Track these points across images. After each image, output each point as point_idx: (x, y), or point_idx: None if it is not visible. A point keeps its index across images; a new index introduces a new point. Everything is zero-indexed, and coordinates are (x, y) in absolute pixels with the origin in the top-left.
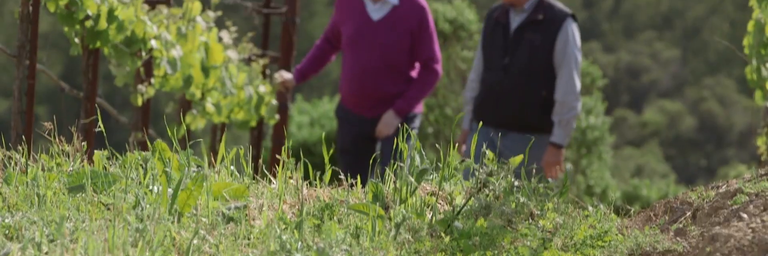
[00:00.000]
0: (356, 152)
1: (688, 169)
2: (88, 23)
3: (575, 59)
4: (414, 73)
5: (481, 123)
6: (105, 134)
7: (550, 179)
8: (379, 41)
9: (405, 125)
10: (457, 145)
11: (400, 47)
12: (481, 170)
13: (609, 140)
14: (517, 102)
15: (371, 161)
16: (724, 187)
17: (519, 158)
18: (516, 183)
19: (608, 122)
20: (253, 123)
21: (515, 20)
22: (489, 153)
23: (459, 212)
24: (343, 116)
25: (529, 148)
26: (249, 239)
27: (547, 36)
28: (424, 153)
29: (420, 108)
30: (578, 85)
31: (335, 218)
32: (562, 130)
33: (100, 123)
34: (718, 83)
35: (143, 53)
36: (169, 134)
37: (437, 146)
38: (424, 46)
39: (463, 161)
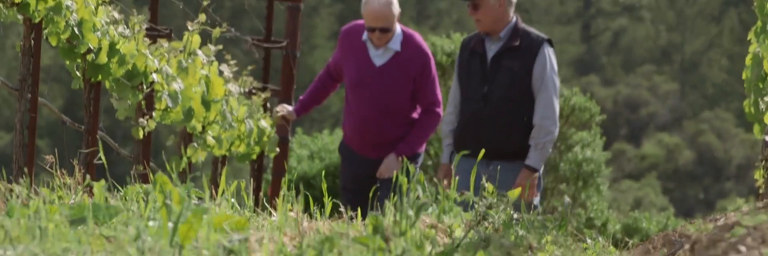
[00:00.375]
0: (358, 190)
1: (687, 202)
2: (90, 57)
3: (553, 84)
4: (416, 115)
5: (460, 155)
6: (106, 167)
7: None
8: (381, 87)
9: (406, 161)
10: (437, 180)
11: (402, 92)
12: (480, 203)
13: (606, 173)
14: (499, 130)
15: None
16: (722, 220)
17: (517, 191)
18: (515, 216)
19: (606, 156)
20: (254, 156)
21: (492, 49)
22: (489, 186)
23: (458, 245)
24: (347, 155)
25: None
26: None
27: (525, 62)
28: (425, 186)
29: (422, 147)
30: (556, 109)
31: (335, 250)
32: (538, 153)
33: (101, 155)
34: (717, 117)
35: (144, 86)
36: (170, 166)
37: (435, 179)
38: (426, 91)
39: (462, 193)
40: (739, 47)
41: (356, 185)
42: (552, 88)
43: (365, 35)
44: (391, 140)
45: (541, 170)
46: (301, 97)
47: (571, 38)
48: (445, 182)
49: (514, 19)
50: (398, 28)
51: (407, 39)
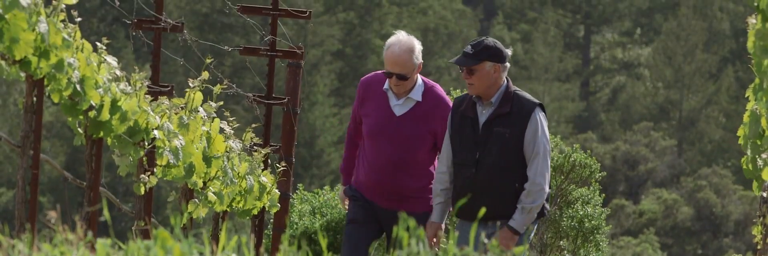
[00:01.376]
0: (361, 225)
1: None
2: (92, 114)
3: (544, 148)
4: (433, 169)
5: (455, 212)
6: (110, 223)
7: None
8: (400, 137)
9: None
10: (427, 239)
11: (420, 144)
12: None
13: (606, 230)
14: (491, 196)
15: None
16: None
17: (521, 249)
18: None
19: (606, 212)
20: (255, 211)
21: (483, 114)
22: (492, 243)
23: None
24: (355, 198)
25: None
26: None
27: (517, 128)
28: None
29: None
30: (547, 174)
31: None
32: (522, 217)
33: (105, 212)
34: (715, 173)
35: (146, 143)
36: (172, 222)
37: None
38: None
39: (462, 248)
40: (735, 105)
41: (365, 218)
42: (542, 152)
43: (386, 84)
44: (405, 191)
45: (535, 228)
46: (342, 168)
47: (570, 95)
48: (434, 240)
49: (505, 82)
50: (419, 79)
51: (428, 90)
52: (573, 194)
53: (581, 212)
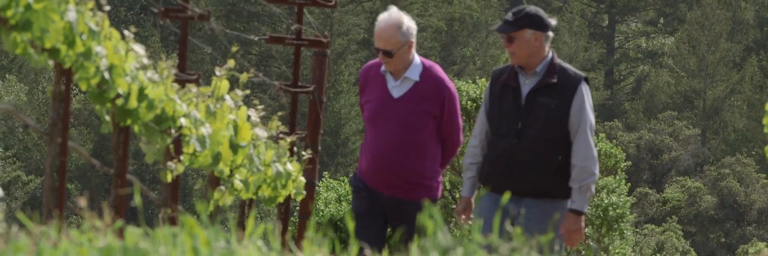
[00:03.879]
0: (368, 224)
1: (708, 246)
2: (119, 101)
3: (590, 123)
4: (435, 151)
5: (481, 191)
6: (140, 209)
7: (569, 247)
8: (398, 119)
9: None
10: (457, 213)
11: (420, 125)
12: (504, 246)
13: (631, 219)
14: (532, 169)
15: (385, 234)
16: None
17: (548, 236)
18: None
19: (630, 201)
20: (281, 199)
21: (526, 84)
22: (516, 229)
23: None
24: (358, 190)
25: (549, 215)
26: None
27: (563, 100)
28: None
29: (439, 192)
30: (594, 149)
31: None
32: (582, 196)
33: (137, 197)
34: (738, 162)
35: (173, 131)
36: (198, 209)
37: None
38: (452, 132)
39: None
40: (759, 94)
41: (368, 219)
42: (589, 127)
43: (383, 67)
44: (408, 176)
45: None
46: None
47: (595, 84)
48: (464, 216)
49: (551, 54)
50: (417, 58)
51: (427, 70)
52: (598, 182)
53: (606, 201)
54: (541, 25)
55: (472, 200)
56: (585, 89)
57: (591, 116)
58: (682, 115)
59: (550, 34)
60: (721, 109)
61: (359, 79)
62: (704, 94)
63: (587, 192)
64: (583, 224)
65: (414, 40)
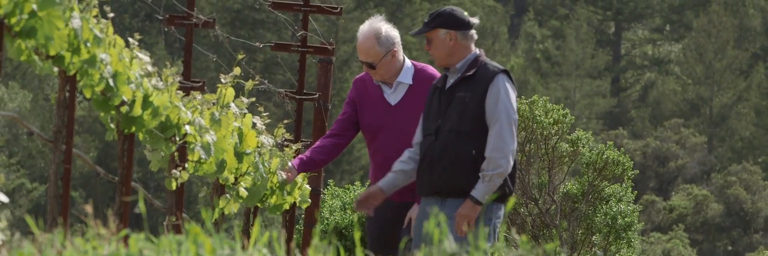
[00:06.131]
0: (381, 235)
1: (715, 254)
2: (124, 109)
3: (507, 115)
4: None
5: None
6: (145, 216)
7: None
8: (398, 125)
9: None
10: (357, 203)
11: None
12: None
13: (639, 227)
14: (448, 164)
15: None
16: None
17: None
18: None
19: (637, 209)
20: (286, 207)
21: (450, 82)
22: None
23: None
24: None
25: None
26: None
27: (477, 93)
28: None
29: None
30: (510, 142)
31: None
32: (484, 186)
33: (141, 204)
34: (745, 170)
35: (177, 138)
36: (203, 217)
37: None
38: None
39: (410, 239)
40: (766, 101)
41: (380, 230)
42: (505, 119)
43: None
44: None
45: (500, 217)
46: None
47: (601, 91)
48: (362, 205)
49: (477, 52)
50: (408, 62)
51: (419, 71)
52: (606, 190)
53: (615, 209)
54: (454, 24)
55: (381, 190)
56: (502, 81)
57: (509, 109)
58: (688, 122)
59: (471, 32)
60: (728, 117)
61: (350, 90)
62: (711, 101)
63: (489, 183)
64: (477, 213)
65: (397, 48)
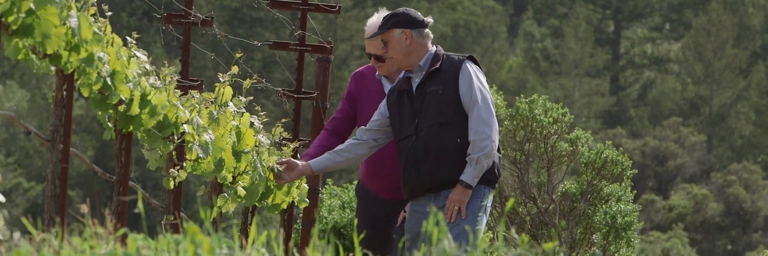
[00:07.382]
0: (375, 232)
1: (714, 253)
2: (121, 108)
3: (483, 98)
4: None
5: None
6: (143, 215)
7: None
8: None
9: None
10: (277, 170)
11: None
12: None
13: (638, 226)
14: (435, 157)
15: (391, 238)
16: None
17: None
18: None
19: (637, 208)
20: (284, 206)
21: (416, 81)
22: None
23: None
24: (362, 196)
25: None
26: None
27: (449, 83)
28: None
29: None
30: (491, 123)
31: None
32: (472, 169)
33: (140, 204)
34: (744, 169)
35: (175, 137)
36: (201, 216)
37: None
38: None
39: (402, 235)
40: (766, 100)
41: (373, 227)
42: (482, 101)
43: (377, 72)
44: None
45: (489, 201)
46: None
47: (600, 90)
48: (282, 176)
49: (435, 49)
50: None
51: None
52: (605, 190)
53: (614, 208)
54: (407, 23)
55: (307, 166)
56: (470, 67)
57: (484, 91)
58: (688, 121)
59: (426, 31)
60: (728, 116)
61: (349, 84)
62: (710, 100)
63: (477, 165)
64: (467, 198)
65: None
